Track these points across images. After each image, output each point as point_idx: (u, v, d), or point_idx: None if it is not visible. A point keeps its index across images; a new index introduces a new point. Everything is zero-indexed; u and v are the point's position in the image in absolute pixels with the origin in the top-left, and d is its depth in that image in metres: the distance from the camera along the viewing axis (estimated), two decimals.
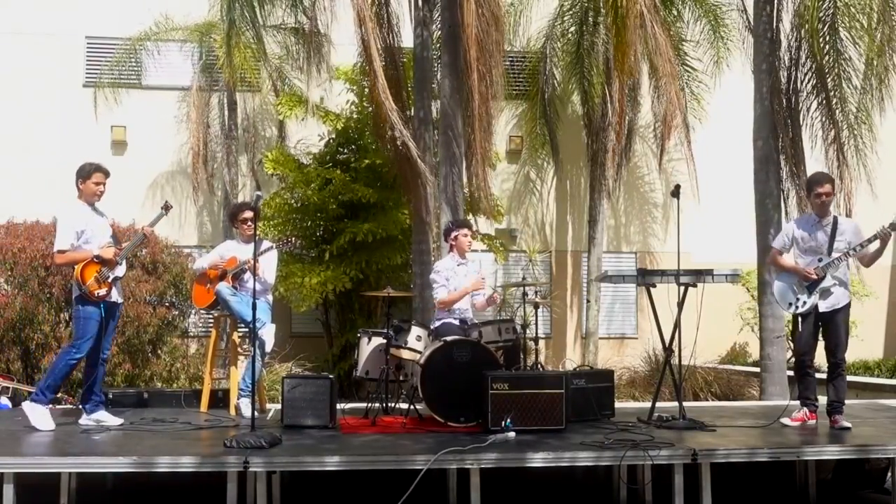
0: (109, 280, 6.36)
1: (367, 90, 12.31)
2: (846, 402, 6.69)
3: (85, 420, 6.52)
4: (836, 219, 6.66)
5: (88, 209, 6.45)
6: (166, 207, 6.86)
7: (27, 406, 6.30)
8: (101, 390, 6.71)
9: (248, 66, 12.72)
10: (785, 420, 6.71)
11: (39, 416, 6.25)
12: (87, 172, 6.43)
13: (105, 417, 6.57)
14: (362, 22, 9.76)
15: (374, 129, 10.92)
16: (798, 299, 6.65)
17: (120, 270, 6.48)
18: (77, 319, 6.38)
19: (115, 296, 6.51)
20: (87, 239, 6.36)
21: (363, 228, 11.68)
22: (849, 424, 6.47)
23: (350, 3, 10.11)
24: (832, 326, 6.57)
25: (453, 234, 7.54)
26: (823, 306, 6.56)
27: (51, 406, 6.51)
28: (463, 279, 7.45)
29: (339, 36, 12.15)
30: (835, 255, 6.55)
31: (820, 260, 6.57)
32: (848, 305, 6.61)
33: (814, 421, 6.66)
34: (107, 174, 6.51)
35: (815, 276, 6.55)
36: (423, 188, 10.42)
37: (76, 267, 6.30)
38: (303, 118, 12.79)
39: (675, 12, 13.72)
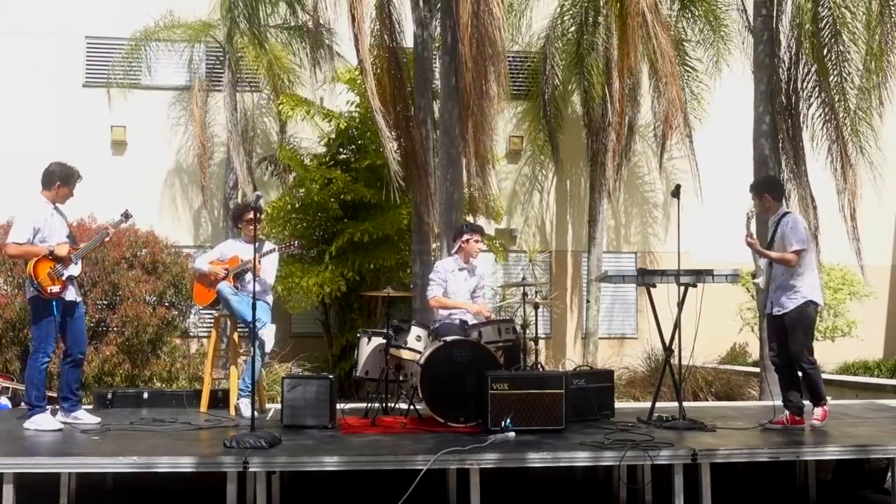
0: (63, 277, 6.34)
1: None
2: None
3: (62, 418, 6.54)
4: (781, 218, 6.65)
5: (51, 208, 6.47)
6: (126, 215, 6.85)
7: (30, 423, 6.28)
8: (79, 390, 6.76)
9: (250, 66, 12.71)
10: (814, 422, 6.57)
11: (43, 421, 6.28)
12: (71, 180, 6.49)
13: (83, 416, 6.62)
14: (357, 22, 9.75)
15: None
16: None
17: (75, 269, 6.47)
18: (35, 323, 6.37)
19: (73, 294, 6.51)
20: (43, 238, 6.37)
21: (360, 228, 11.67)
22: (816, 422, 6.47)
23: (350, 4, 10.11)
24: (787, 329, 6.54)
25: (465, 238, 7.48)
26: (774, 308, 6.64)
27: (49, 407, 6.53)
28: (462, 283, 7.45)
29: (341, 36, 12.16)
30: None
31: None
32: (794, 310, 6.47)
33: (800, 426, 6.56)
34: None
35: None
36: (424, 188, 10.41)
37: (29, 263, 6.29)
38: (303, 119, 12.77)
39: (675, 11, 13.70)
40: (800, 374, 6.60)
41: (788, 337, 6.53)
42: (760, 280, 6.75)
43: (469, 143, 9.93)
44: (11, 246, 6.37)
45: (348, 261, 11.75)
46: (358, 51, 9.80)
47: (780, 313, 6.56)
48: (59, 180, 6.44)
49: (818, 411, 6.52)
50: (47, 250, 6.30)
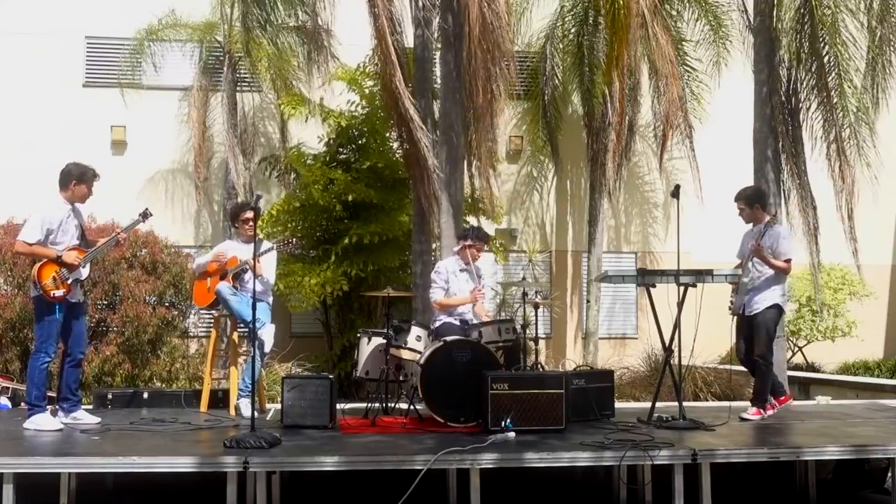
0: (69, 281, 6.33)
1: (369, 91, 12.34)
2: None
3: (62, 418, 6.55)
4: (766, 227, 7.05)
5: (68, 209, 6.45)
6: (144, 215, 6.79)
7: (30, 423, 6.28)
8: (78, 390, 6.77)
9: (252, 66, 12.68)
10: (744, 414, 7.05)
11: (43, 421, 6.29)
12: (87, 177, 6.46)
13: (83, 416, 6.63)
14: (377, 16, 9.72)
15: (394, 124, 10.86)
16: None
17: (82, 272, 6.47)
18: (38, 322, 6.37)
19: (77, 296, 6.50)
20: (54, 239, 6.35)
21: (369, 230, 11.66)
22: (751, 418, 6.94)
23: (351, 4, 10.09)
24: (754, 328, 7.01)
25: (468, 242, 7.51)
26: (746, 309, 7.10)
27: (49, 407, 6.53)
28: (464, 284, 7.45)
29: (342, 36, 12.14)
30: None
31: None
32: (761, 312, 6.97)
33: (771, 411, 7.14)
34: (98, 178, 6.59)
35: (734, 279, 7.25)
36: (428, 188, 10.40)
37: (35, 266, 6.28)
38: (305, 119, 12.76)
39: (675, 11, 13.69)
40: (753, 372, 7.13)
41: (754, 336, 7.01)
42: (748, 279, 7.10)
43: (470, 144, 9.93)
44: (21, 244, 6.36)
45: (353, 261, 11.75)
46: (382, 45, 9.76)
47: (751, 314, 7.04)
48: (76, 179, 6.42)
49: (753, 410, 7.01)
50: (55, 255, 6.28)
